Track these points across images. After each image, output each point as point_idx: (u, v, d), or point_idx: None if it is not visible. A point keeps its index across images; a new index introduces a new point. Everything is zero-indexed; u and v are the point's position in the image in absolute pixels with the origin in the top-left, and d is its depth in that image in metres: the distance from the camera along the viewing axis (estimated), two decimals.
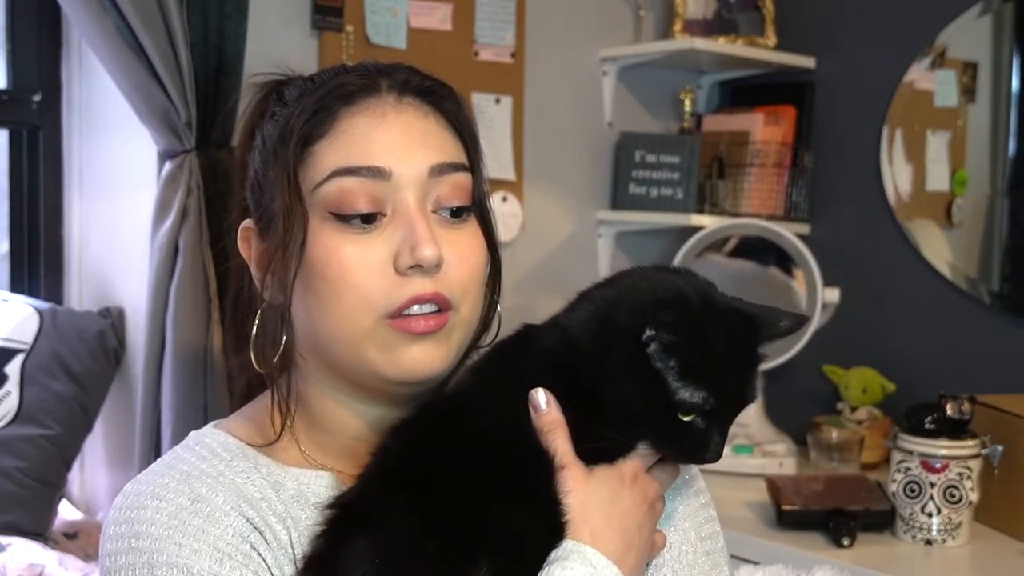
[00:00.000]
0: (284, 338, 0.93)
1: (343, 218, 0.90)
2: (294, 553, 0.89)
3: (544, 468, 0.85)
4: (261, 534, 0.89)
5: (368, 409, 0.95)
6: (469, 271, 0.92)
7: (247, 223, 0.97)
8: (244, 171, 0.98)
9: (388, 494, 0.83)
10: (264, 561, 0.88)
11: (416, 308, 0.89)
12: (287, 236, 0.90)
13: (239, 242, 0.98)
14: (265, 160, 0.94)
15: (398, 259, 0.89)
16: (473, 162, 0.95)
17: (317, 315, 0.91)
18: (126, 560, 0.86)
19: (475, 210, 0.95)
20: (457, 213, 0.93)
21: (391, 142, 0.91)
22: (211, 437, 0.95)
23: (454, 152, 0.94)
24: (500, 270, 0.99)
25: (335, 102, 0.92)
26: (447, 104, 0.95)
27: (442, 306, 0.90)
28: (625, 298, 0.87)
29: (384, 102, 0.92)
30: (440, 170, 0.91)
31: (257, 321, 0.95)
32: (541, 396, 0.87)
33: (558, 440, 0.86)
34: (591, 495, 0.86)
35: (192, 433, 0.97)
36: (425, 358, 0.90)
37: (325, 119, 0.91)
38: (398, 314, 0.89)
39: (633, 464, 0.88)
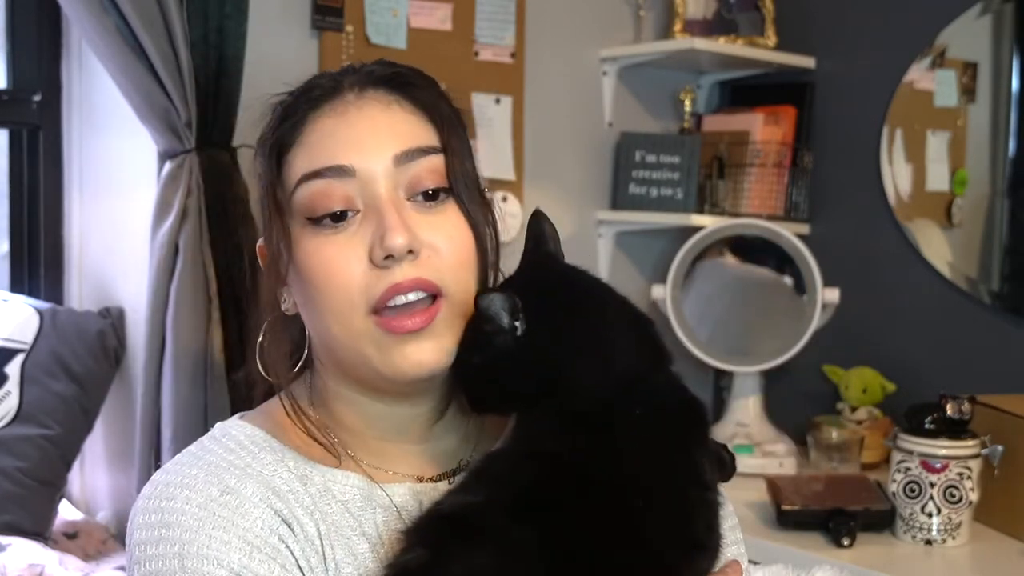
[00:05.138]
0: (284, 347, 0.95)
1: (316, 220, 0.90)
2: (322, 546, 0.89)
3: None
4: (289, 527, 0.88)
5: (386, 408, 0.94)
6: (456, 253, 0.90)
7: (260, 241, 0.98)
8: None
9: (513, 519, 0.79)
10: (292, 554, 0.87)
11: (401, 299, 0.88)
12: (271, 249, 0.92)
13: (259, 260, 0.98)
14: (258, 177, 0.95)
15: (372, 252, 0.88)
16: (448, 144, 0.93)
17: (316, 320, 0.92)
18: (156, 550, 0.86)
19: (458, 192, 0.92)
20: (433, 196, 0.91)
21: (353, 139, 0.90)
22: (237, 429, 0.95)
23: (423, 136, 0.92)
24: (498, 252, 0.96)
25: (302, 107, 0.92)
26: (414, 90, 0.94)
27: (428, 290, 0.88)
28: None
29: (345, 100, 0.92)
30: (407, 156, 0.90)
31: (263, 333, 0.96)
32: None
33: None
34: None
35: (218, 424, 0.96)
36: (419, 356, 0.88)
37: (295, 126, 0.92)
38: (382, 307, 0.87)
39: None
